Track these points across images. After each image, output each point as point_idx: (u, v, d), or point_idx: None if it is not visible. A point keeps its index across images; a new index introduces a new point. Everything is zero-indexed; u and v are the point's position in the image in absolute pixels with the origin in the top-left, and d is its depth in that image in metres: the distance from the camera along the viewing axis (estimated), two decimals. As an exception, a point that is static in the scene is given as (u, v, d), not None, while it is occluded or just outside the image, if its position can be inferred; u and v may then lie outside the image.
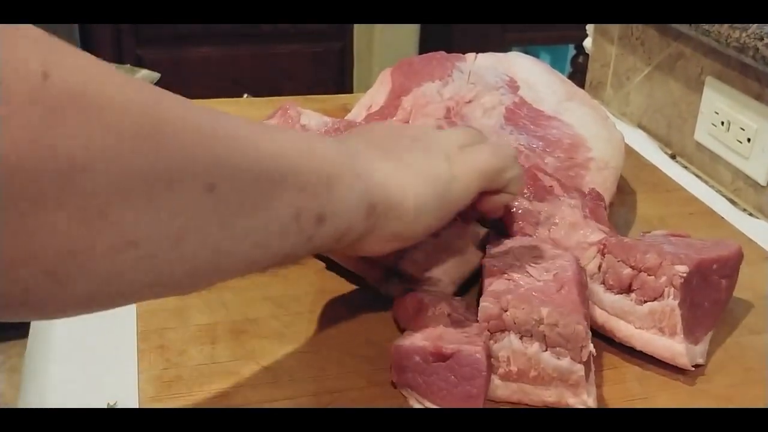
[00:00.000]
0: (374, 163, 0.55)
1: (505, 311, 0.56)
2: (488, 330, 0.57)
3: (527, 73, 0.89)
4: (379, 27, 2.67)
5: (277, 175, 0.47)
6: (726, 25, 0.91)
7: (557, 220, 0.68)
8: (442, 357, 0.56)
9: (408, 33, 2.68)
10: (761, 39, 0.86)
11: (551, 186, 0.70)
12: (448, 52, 0.93)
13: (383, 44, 2.66)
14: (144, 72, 0.75)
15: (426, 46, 2.64)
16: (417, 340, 0.58)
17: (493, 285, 0.59)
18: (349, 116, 0.89)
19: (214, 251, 0.44)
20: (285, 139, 0.49)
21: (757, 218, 0.94)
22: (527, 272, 0.61)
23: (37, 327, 0.74)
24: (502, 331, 0.57)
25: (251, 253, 0.46)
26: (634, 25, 1.15)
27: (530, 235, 0.68)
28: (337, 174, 0.51)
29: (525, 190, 0.69)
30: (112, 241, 0.37)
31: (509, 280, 0.60)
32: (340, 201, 0.51)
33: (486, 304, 0.57)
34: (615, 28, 1.21)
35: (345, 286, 0.71)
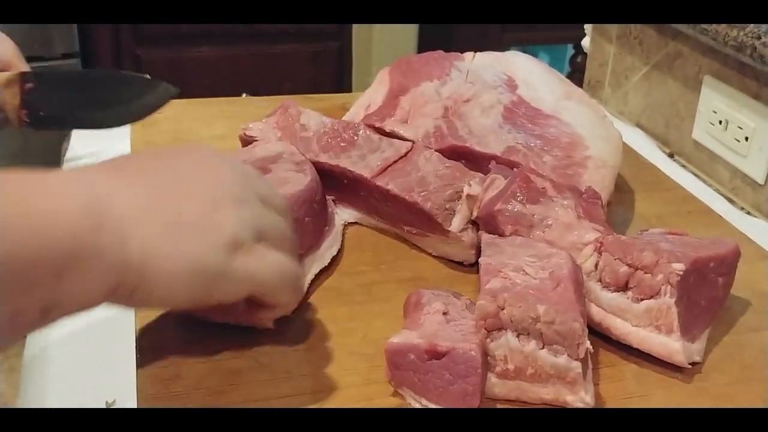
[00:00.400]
0: (134, 228, 0.47)
1: (502, 309, 0.56)
2: (485, 328, 0.57)
3: (525, 72, 0.90)
4: (377, 27, 2.67)
5: None
6: (724, 24, 0.91)
7: (551, 222, 0.67)
8: (437, 355, 0.56)
9: (406, 33, 2.68)
10: (759, 38, 0.86)
11: (544, 188, 0.70)
12: (447, 51, 0.94)
13: (382, 44, 2.66)
14: (163, 86, 0.75)
15: (424, 45, 2.65)
16: (411, 338, 0.58)
17: (489, 283, 0.60)
18: (348, 116, 0.89)
19: None
20: (12, 224, 0.40)
21: (755, 217, 0.94)
22: (523, 270, 0.61)
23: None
24: (499, 329, 0.57)
25: None
26: (633, 25, 1.16)
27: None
28: (74, 258, 0.43)
29: (518, 193, 0.69)
30: None
31: (505, 278, 0.60)
32: (71, 291, 0.43)
33: (483, 303, 0.57)
34: (613, 28, 1.21)
35: (343, 284, 0.71)
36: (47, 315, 0.43)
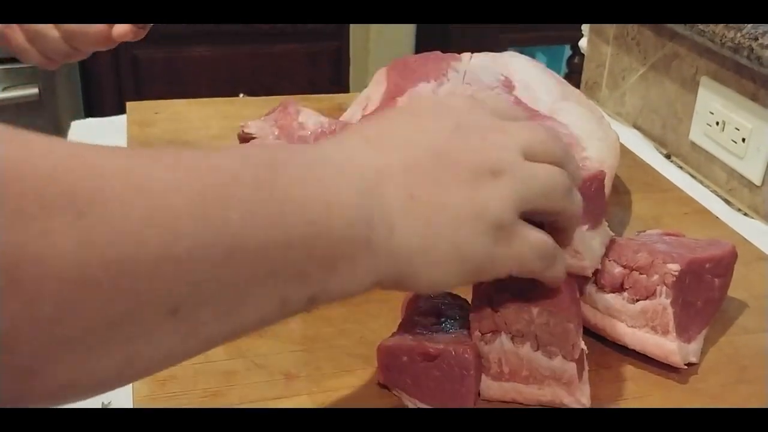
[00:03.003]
0: (402, 219, 0.45)
1: (496, 312, 0.56)
2: (479, 331, 0.57)
3: (523, 73, 0.89)
4: (375, 27, 2.67)
5: (262, 273, 0.39)
6: (721, 26, 0.91)
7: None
8: (429, 356, 0.56)
9: (404, 33, 2.68)
10: (756, 39, 0.86)
11: None
12: (444, 52, 0.93)
13: (379, 44, 2.66)
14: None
15: (422, 46, 2.65)
16: (404, 339, 0.58)
17: (483, 286, 0.59)
18: (345, 116, 0.89)
19: (167, 357, 0.40)
20: (288, 211, 0.39)
21: (752, 218, 0.94)
22: None
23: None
24: (494, 332, 0.57)
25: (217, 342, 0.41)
26: (630, 25, 1.16)
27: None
28: (347, 255, 0.42)
29: None
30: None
31: (500, 280, 0.60)
32: (341, 284, 0.43)
33: (477, 305, 0.57)
34: (610, 28, 1.21)
35: (340, 285, 0.71)
36: (313, 303, 0.42)
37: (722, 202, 0.97)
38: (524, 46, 2.86)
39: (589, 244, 0.60)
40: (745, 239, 0.82)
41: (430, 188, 0.46)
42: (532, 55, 1.04)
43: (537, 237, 0.51)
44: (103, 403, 0.64)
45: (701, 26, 0.94)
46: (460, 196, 0.47)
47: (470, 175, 0.47)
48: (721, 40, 0.91)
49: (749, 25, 0.88)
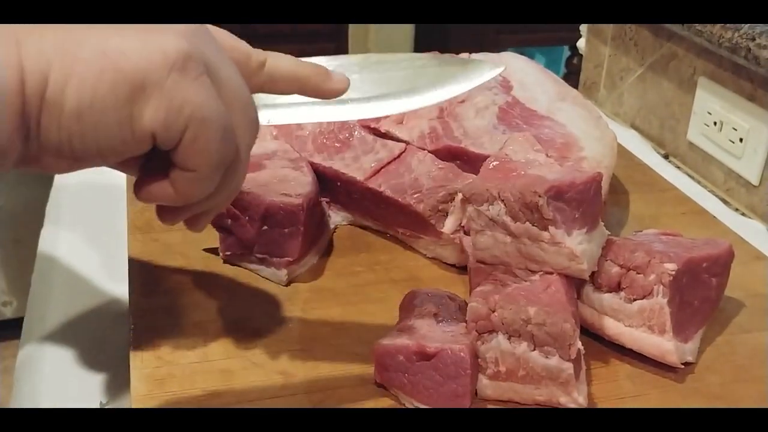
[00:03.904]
0: (43, 30, 0.40)
1: (493, 312, 0.57)
2: (476, 330, 0.57)
3: (520, 73, 0.90)
4: (373, 27, 2.67)
5: None
6: (718, 26, 0.91)
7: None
8: (425, 356, 0.56)
9: (403, 33, 2.68)
10: (753, 39, 0.87)
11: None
12: (443, 52, 0.93)
13: (378, 45, 2.66)
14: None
15: (421, 46, 2.65)
16: (401, 339, 0.58)
17: (480, 286, 0.60)
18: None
19: None
20: None
21: (750, 218, 0.94)
22: (514, 272, 0.61)
23: (30, 328, 0.74)
24: (490, 331, 0.57)
25: None
26: (628, 26, 1.16)
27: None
28: None
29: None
30: None
31: (496, 280, 0.60)
32: None
33: (474, 305, 0.57)
34: (608, 29, 1.21)
35: (337, 284, 0.72)
36: None
37: (720, 201, 0.97)
38: (523, 47, 2.86)
39: (587, 247, 0.61)
40: (743, 239, 0.82)
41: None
42: (531, 56, 1.04)
43: (227, 100, 0.44)
44: (101, 402, 0.64)
45: (699, 27, 0.94)
46: (133, 31, 0.42)
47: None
48: (718, 41, 0.91)
49: (746, 26, 0.88)
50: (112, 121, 0.40)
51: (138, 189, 0.46)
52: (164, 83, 0.41)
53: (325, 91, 0.52)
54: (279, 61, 0.50)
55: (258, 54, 0.49)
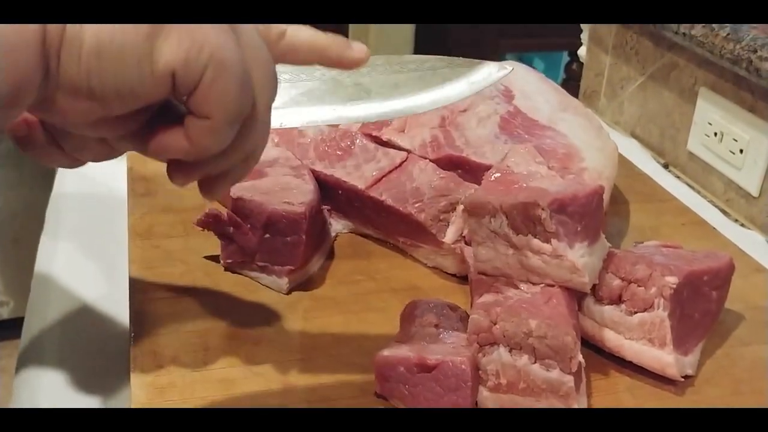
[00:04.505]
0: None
1: (495, 324, 0.57)
2: (477, 343, 0.57)
3: (522, 83, 0.90)
4: (374, 30, 2.67)
5: None
6: (720, 37, 0.91)
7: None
8: (426, 368, 0.56)
9: (403, 37, 2.68)
10: (755, 51, 0.87)
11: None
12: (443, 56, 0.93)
13: (378, 48, 2.66)
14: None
15: (421, 52, 2.65)
16: (401, 350, 0.58)
17: (482, 297, 0.60)
18: (343, 124, 0.89)
19: None
20: None
21: (749, 229, 0.94)
22: (515, 284, 0.61)
23: (29, 329, 0.74)
24: (492, 344, 0.57)
25: None
26: (629, 35, 1.16)
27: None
28: None
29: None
30: None
31: (497, 292, 0.60)
32: None
33: (476, 317, 0.57)
34: (609, 38, 1.21)
35: (338, 293, 0.72)
36: None
37: (719, 212, 0.97)
38: (522, 52, 2.87)
39: (588, 260, 0.61)
40: (742, 251, 0.82)
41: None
42: (530, 61, 1.04)
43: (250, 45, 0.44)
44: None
45: (700, 37, 0.95)
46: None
47: None
48: (720, 52, 0.92)
49: (749, 37, 0.88)
50: (132, 58, 0.39)
51: (150, 141, 0.44)
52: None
53: (345, 60, 0.51)
54: (299, 32, 0.50)
55: (278, 25, 0.49)
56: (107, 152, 0.47)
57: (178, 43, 0.40)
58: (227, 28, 0.42)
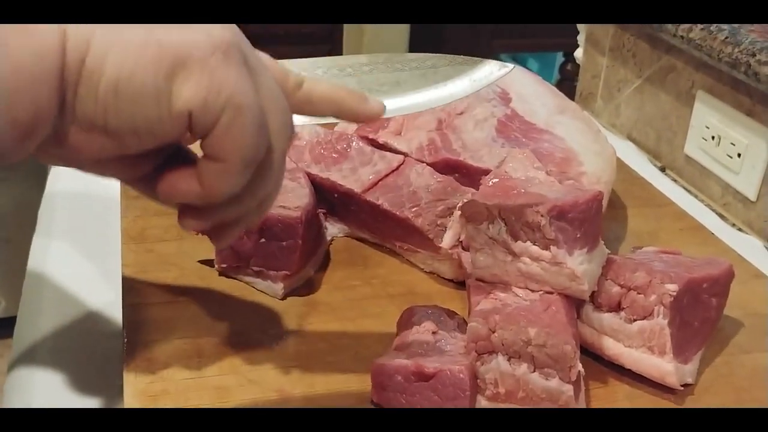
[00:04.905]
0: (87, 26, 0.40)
1: (493, 332, 0.56)
2: (476, 351, 0.57)
3: (519, 85, 0.89)
4: (368, 30, 2.66)
5: None
6: (719, 40, 0.91)
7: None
8: (424, 377, 0.55)
9: (398, 37, 2.68)
10: (753, 55, 0.86)
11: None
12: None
13: (373, 48, 2.65)
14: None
15: (415, 50, 2.64)
16: (398, 358, 0.57)
17: (480, 305, 0.59)
18: (339, 126, 0.88)
19: None
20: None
21: (747, 233, 0.94)
22: (513, 291, 0.61)
23: (21, 329, 0.73)
24: (490, 352, 0.56)
25: None
26: (626, 37, 1.15)
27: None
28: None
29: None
30: None
31: (496, 299, 0.59)
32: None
33: (474, 325, 0.57)
34: (606, 40, 1.21)
35: (334, 299, 0.71)
36: None
37: (717, 217, 0.96)
38: (517, 52, 2.86)
39: (588, 267, 0.60)
40: (741, 256, 0.82)
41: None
42: (524, 62, 1.04)
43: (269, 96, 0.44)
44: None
45: (698, 40, 0.94)
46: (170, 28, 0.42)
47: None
48: (718, 55, 0.91)
49: (747, 41, 0.88)
50: (150, 96, 0.39)
51: (161, 183, 0.44)
52: (207, 62, 0.40)
53: (361, 113, 0.51)
54: (316, 83, 0.50)
55: (295, 75, 0.49)
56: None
57: (198, 84, 0.40)
58: (245, 72, 0.42)
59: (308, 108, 0.50)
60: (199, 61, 0.40)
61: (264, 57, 0.47)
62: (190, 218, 0.46)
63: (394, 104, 0.57)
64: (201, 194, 0.43)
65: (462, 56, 0.65)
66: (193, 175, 0.43)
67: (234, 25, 0.43)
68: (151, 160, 0.45)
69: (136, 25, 0.40)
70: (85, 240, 0.83)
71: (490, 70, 0.63)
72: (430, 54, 0.63)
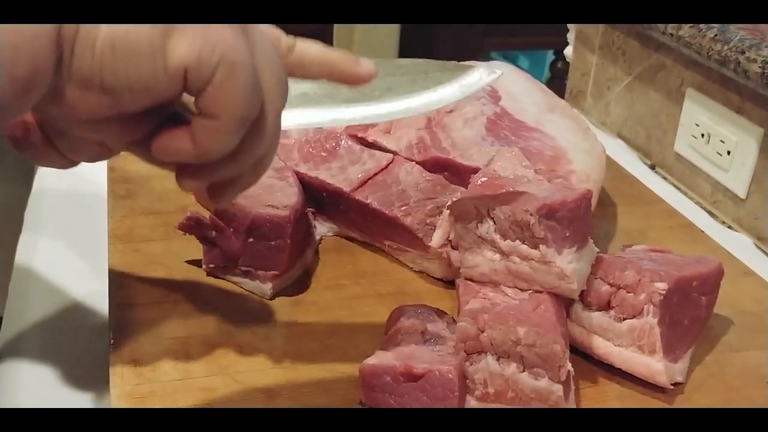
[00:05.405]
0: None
1: (482, 332, 0.55)
2: (465, 351, 0.56)
3: (508, 83, 0.89)
4: (358, 30, 2.65)
5: None
6: (708, 38, 0.91)
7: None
8: (412, 377, 0.55)
9: (388, 36, 2.67)
10: (742, 52, 0.86)
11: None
12: (428, 57, 0.92)
13: (363, 47, 2.65)
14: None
15: (406, 50, 2.64)
16: (387, 358, 0.57)
17: (469, 304, 0.59)
18: (328, 125, 0.87)
19: None
20: None
21: (736, 231, 0.94)
22: (503, 290, 0.60)
23: (8, 327, 0.73)
24: (479, 352, 0.56)
25: None
26: (615, 35, 1.15)
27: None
28: None
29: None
30: None
31: (485, 298, 0.59)
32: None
33: (463, 324, 0.56)
34: (596, 38, 1.20)
35: (323, 298, 0.70)
36: None
37: (707, 215, 0.96)
38: (507, 51, 2.86)
39: (577, 266, 0.60)
40: (730, 254, 0.82)
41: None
42: (515, 60, 1.04)
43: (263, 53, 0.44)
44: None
45: (688, 38, 0.94)
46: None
47: None
48: (707, 53, 0.91)
49: (736, 38, 0.87)
50: (146, 53, 0.40)
51: (155, 142, 0.44)
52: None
53: (353, 75, 0.51)
54: (308, 46, 0.50)
55: (287, 38, 0.49)
56: (102, 153, 0.47)
57: (192, 41, 0.40)
58: (239, 31, 0.42)
59: (300, 70, 0.50)
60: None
61: None
62: (187, 178, 0.46)
63: (387, 109, 0.58)
64: (195, 152, 0.43)
65: (452, 62, 0.66)
66: (187, 133, 0.43)
67: None
68: (148, 121, 0.44)
69: None
70: (72, 239, 0.83)
71: (479, 76, 0.64)
72: (421, 60, 0.64)
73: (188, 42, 0.40)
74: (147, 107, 0.42)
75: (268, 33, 0.47)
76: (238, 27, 0.43)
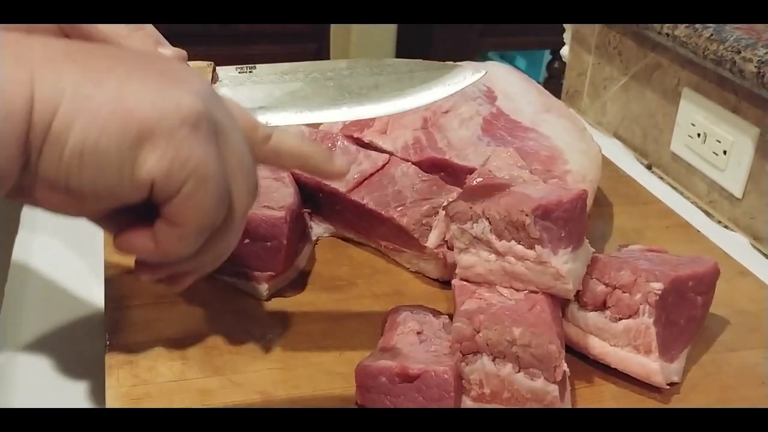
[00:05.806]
0: (61, 63, 0.40)
1: (478, 332, 0.55)
2: (461, 351, 0.56)
3: (504, 83, 0.89)
4: (355, 28, 2.65)
5: None
6: (704, 37, 0.91)
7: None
8: (408, 378, 0.55)
9: (385, 35, 2.67)
10: (738, 52, 0.86)
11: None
12: (426, 56, 0.92)
13: (360, 46, 2.65)
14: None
15: (403, 49, 2.64)
16: (383, 359, 0.57)
17: (465, 305, 0.59)
18: (324, 126, 0.88)
19: None
20: None
21: (733, 231, 0.94)
22: (498, 291, 0.60)
23: (5, 324, 0.73)
24: (475, 353, 0.56)
25: None
26: (612, 35, 1.15)
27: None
28: None
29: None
30: None
31: (480, 299, 0.59)
32: None
33: (459, 325, 0.56)
34: (592, 38, 1.20)
35: (319, 299, 0.70)
36: None
37: (703, 214, 0.96)
38: (504, 51, 2.86)
39: (572, 266, 0.60)
40: (726, 254, 0.82)
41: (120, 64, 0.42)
42: (512, 60, 1.03)
43: (237, 169, 0.44)
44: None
45: (684, 38, 0.94)
46: (153, 80, 0.42)
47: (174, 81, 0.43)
48: (703, 53, 0.91)
49: (732, 38, 0.87)
50: (114, 164, 0.40)
51: (117, 238, 0.45)
52: (174, 135, 0.40)
53: (325, 171, 0.52)
54: (284, 137, 0.50)
55: (264, 127, 0.49)
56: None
57: (162, 156, 0.40)
58: (212, 138, 0.42)
59: (274, 160, 0.50)
60: (166, 134, 0.40)
61: (233, 107, 0.47)
62: (145, 269, 0.47)
63: (376, 106, 0.60)
64: (156, 253, 0.44)
65: (438, 62, 0.67)
66: (149, 234, 0.44)
67: (208, 87, 0.43)
68: (114, 211, 0.45)
69: (112, 75, 0.40)
70: (69, 238, 0.83)
71: (464, 75, 0.66)
72: (408, 59, 0.66)
73: (158, 156, 0.40)
74: (112, 208, 0.43)
75: (245, 122, 0.47)
76: (211, 133, 0.42)
